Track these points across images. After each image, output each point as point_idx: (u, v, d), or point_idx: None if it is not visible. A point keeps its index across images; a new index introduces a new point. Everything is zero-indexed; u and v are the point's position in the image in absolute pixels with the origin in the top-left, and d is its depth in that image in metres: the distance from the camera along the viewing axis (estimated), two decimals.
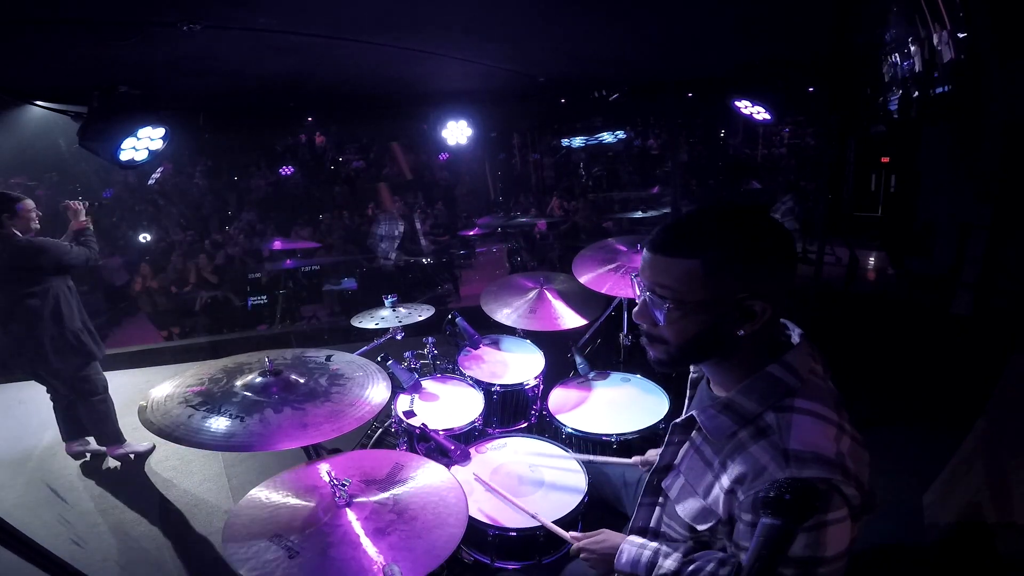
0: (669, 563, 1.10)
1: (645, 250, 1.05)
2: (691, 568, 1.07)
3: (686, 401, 1.34)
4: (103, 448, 3.22)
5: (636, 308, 1.09)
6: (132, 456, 3.22)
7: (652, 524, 1.22)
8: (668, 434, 1.19)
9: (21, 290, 2.87)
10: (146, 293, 6.78)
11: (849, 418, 0.99)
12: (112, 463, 3.21)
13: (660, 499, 1.21)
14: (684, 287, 0.99)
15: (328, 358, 1.85)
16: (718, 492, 1.01)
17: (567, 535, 1.44)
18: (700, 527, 1.06)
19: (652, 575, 1.12)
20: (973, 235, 4.25)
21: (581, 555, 1.33)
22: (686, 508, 1.09)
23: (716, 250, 0.97)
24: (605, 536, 1.31)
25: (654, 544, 1.17)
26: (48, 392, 3.15)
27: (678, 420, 1.16)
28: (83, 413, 3.14)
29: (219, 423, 1.49)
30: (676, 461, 1.17)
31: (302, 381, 1.69)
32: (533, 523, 1.59)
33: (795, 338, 1.09)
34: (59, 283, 2.99)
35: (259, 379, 1.66)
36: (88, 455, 3.25)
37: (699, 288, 0.98)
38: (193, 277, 6.72)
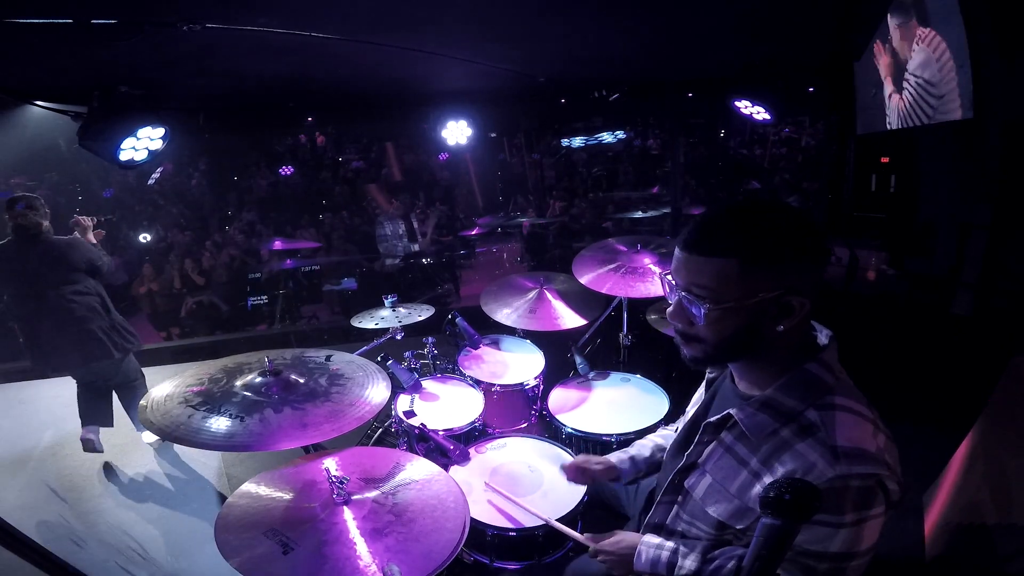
0: (689, 563, 1.10)
1: (677, 249, 1.04)
2: (712, 567, 1.07)
3: (698, 401, 1.32)
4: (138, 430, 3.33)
5: (670, 308, 1.08)
6: (148, 443, 3.32)
7: (668, 522, 1.22)
8: (699, 433, 1.16)
9: (63, 288, 3.00)
10: (147, 295, 6.78)
11: (880, 415, 1.00)
12: (104, 458, 3.21)
13: (679, 498, 1.20)
14: (721, 286, 0.98)
15: (328, 358, 1.85)
16: (760, 491, 0.99)
17: (582, 538, 1.42)
18: (738, 525, 1.05)
19: (673, 575, 1.12)
20: (973, 235, 4.24)
21: (599, 557, 1.32)
22: (719, 508, 1.08)
23: (751, 248, 0.95)
24: (621, 537, 1.30)
25: (671, 544, 1.16)
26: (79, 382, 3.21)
27: (712, 419, 1.13)
28: (130, 399, 3.29)
29: (219, 423, 1.49)
30: (700, 460, 1.15)
31: (302, 381, 1.69)
32: (550, 518, 1.59)
33: (823, 338, 1.09)
34: (92, 280, 3.15)
35: (259, 379, 1.66)
36: (89, 445, 3.16)
37: (736, 286, 0.97)
38: (178, 282, 6.69)
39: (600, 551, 1.31)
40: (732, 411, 1.07)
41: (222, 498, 2.89)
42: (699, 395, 1.35)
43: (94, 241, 3.26)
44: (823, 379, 1.00)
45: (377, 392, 1.71)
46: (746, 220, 0.98)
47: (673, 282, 1.06)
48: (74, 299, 3.01)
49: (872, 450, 0.92)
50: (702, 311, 1.00)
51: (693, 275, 1.01)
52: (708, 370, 1.29)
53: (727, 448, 1.10)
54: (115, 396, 3.34)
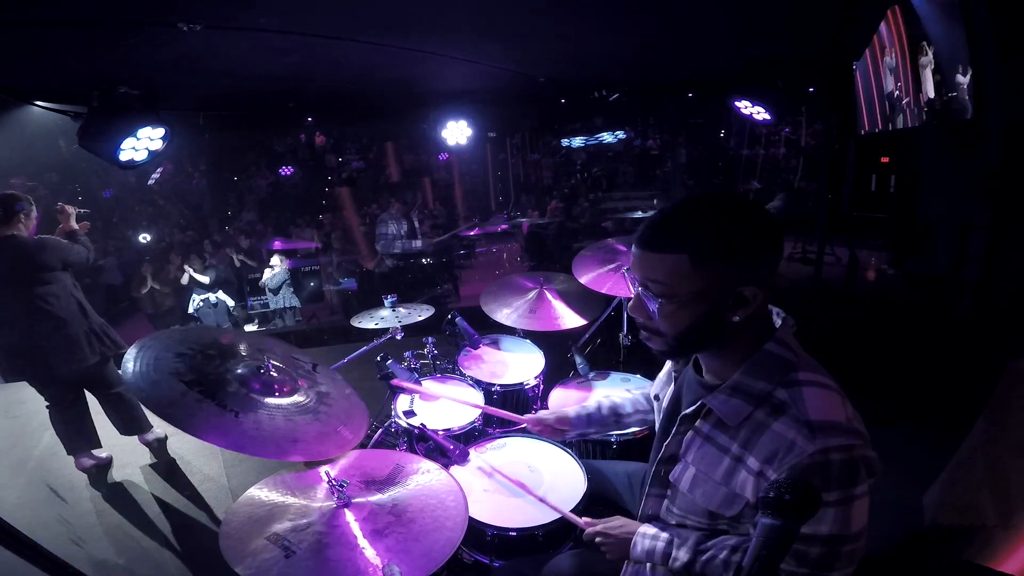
0: (682, 554, 1.11)
1: (633, 246, 1.07)
2: (704, 557, 1.07)
3: (662, 383, 1.36)
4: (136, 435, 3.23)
5: (631, 302, 1.11)
6: (155, 443, 3.26)
7: (662, 514, 1.22)
8: (675, 424, 1.17)
9: (38, 289, 2.85)
10: (148, 294, 6.79)
11: (853, 400, 1.01)
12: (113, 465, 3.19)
13: (668, 491, 1.20)
14: (674, 281, 1.00)
15: (314, 367, 1.85)
16: (745, 476, 1.01)
17: (581, 521, 1.42)
18: (728, 513, 1.06)
19: (668, 566, 1.13)
20: (973, 235, 4.25)
21: (597, 539, 1.31)
22: (708, 498, 1.09)
23: (702, 242, 0.98)
24: (622, 522, 1.30)
25: (666, 535, 1.16)
26: (49, 403, 3.03)
27: (687, 411, 1.14)
28: (113, 407, 3.17)
29: (211, 413, 1.48)
30: (681, 451, 1.16)
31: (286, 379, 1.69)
32: (549, 516, 1.59)
33: (777, 320, 1.11)
34: (69, 280, 3.00)
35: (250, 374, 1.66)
36: (95, 470, 3.12)
37: (689, 280, 0.99)
38: (185, 279, 6.70)
39: (599, 533, 1.31)
40: (706, 400, 1.09)
41: (221, 498, 2.89)
42: (662, 376, 1.40)
43: (75, 227, 3.10)
44: (784, 356, 1.03)
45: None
46: (695, 216, 1.01)
47: (633, 278, 1.09)
48: (50, 301, 2.88)
49: (843, 421, 0.94)
50: (656, 305, 1.03)
51: (647, 271, 1.04)
52: (672, 363, 1.32)
53: (706, 437, 1.11)
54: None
